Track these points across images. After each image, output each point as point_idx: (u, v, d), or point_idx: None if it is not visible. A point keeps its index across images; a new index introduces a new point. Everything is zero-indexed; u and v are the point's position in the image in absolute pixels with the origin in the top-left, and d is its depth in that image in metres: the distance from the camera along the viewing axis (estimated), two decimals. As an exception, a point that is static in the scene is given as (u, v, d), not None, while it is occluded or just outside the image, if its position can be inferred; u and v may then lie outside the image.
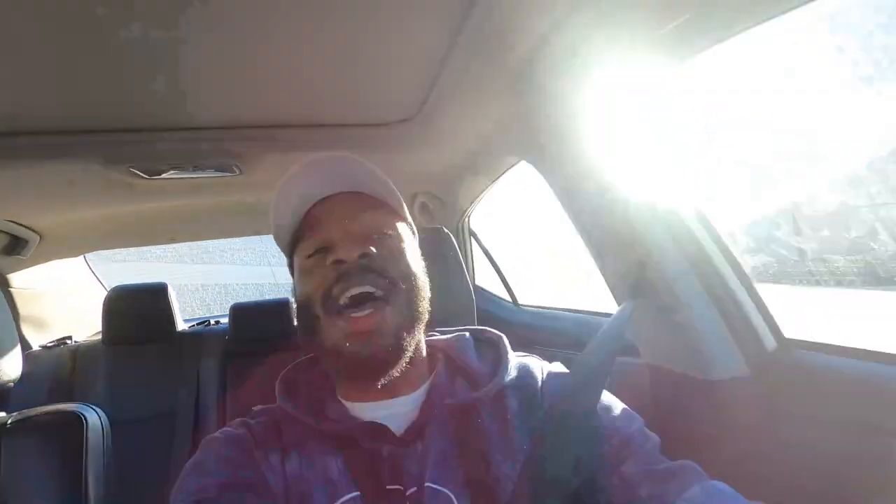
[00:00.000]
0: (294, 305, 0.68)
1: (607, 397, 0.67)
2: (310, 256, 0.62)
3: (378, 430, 0.59)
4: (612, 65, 0.77)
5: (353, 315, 0.57)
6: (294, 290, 0.66)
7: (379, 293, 0.58)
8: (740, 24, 0.61)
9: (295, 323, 2.00)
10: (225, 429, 0.63)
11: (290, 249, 0.67)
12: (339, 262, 0.58)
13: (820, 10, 0.58)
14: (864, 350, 0.78)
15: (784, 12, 0.58)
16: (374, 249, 0.59)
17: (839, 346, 0.81)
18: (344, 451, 0.58)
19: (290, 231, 0.65)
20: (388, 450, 0.58)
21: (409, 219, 0.70)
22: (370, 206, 0.64)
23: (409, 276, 0.62)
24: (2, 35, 0.64)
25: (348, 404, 0.63)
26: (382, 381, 0.59)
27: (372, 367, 0.58)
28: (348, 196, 0.64)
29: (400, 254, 0.63)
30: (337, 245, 0.60)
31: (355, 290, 0.57)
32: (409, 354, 0.61)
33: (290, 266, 0.69)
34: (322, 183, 0.64)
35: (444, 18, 0.72)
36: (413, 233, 0.70)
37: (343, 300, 0.57)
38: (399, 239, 0.64)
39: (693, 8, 0.58)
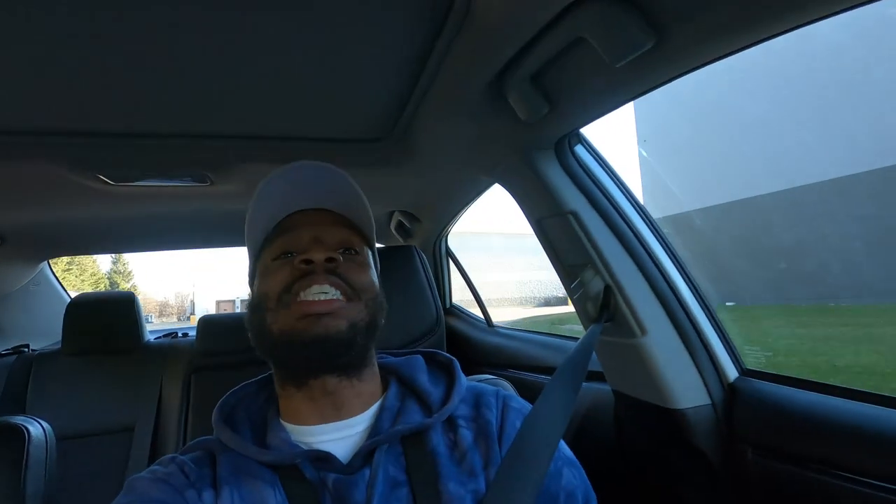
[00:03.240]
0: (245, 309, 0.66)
1: (568, 453, 0.65)
2: (276, 259, 0.61)
3: (322, 459, 0.56)
4: (581, 90, 0.79)
5: (308, 299, 0.56)
6: (251, 289, 0.65)
7: (339, 297, 0.58)
8: (695, 58, 0.63)
9: None
10: (153, 467, 0.59)
11: (258, 251, 0.66)
12: (306, 261, 0.58)
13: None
14: (826, 385, 0.78)
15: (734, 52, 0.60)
16: (340, 257, 0.59)
17: (800, 380, 0.82)
18: (283, 483, 0.55)
19: (263, 233, 0.65)
20: (332, 479, 0.55)
21: (374, 247, 0.70)
22: (342, 223, 0.65)
23: (369, 289, 0.61)
24: None
25: (292, 428, 0.60)
26: (331, 381, 0.58)
27: (322, 348, 0.56)
28: (323, 212, 0.65)
29: (362, 270, 0.62)
30: (305, 249, 0.60)
31: (317, 289, 0.57)
32: (359, 358, 0.60)
33: (252, 271, 0.67)
34: (301, 193, 0.64)
35: (415, 36, 0.73)
36: (377, 260, 0.70)
37: (301, 297, 0.57)
38: (364, 258, 0.65)
39: (651, 43, 0.59)
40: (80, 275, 26.59)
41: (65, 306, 1.76)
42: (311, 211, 0.65)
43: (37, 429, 0.92)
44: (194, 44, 0.69)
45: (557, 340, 1.46)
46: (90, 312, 1.74)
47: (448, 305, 2.11)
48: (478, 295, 1.92)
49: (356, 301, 0.59)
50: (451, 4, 0.65)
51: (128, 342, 1.78)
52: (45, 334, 2.06)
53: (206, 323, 1.86)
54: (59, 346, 1.75)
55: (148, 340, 1.88)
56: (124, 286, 29.40)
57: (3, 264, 1.75)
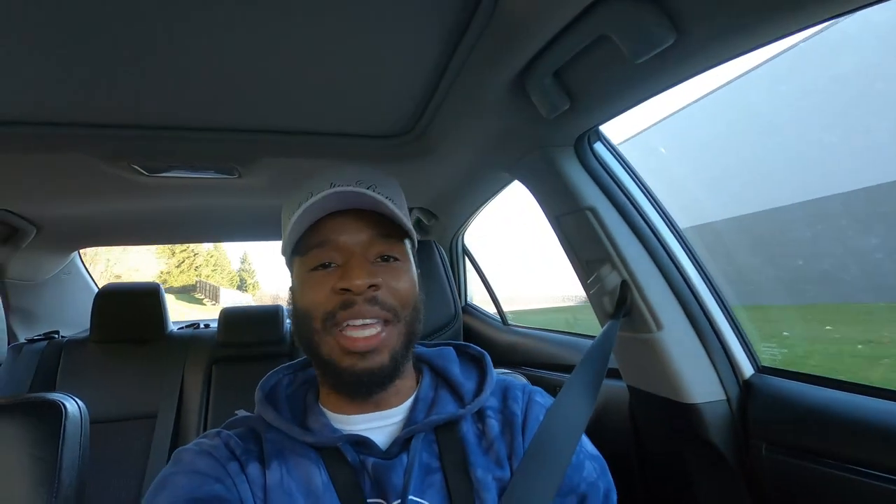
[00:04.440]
0: (288, 307, 0.68)
1: (591, 447, 0.67)
2: (313, 269, 0.61)
3: (362, 443, 0.59)
4: (601, 86, 0.80)
5: (352, 335, 0.57)
6: (293, 293, 0.65)
7: (379, 323, 0.58)
8: (715, 54, 0.64)
9: (284, 331, 1.98)
10: (199, 439, 0.61)
11: (293, 250, 0.64)
12: (345, 290, 0.57)
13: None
14: (841, 381, 0.79)
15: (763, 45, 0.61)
16: (380, 280, 0.58)
17: (816, 376, 0.83)
18: (327, 463, 0.58)
19: (300, 232, 0.61)
20: (371, 462, 0.58)
21: (414, 237, 0.67)
22: (381, 231, 0.62)
23: (409, 304, 0.61)
24: (7, 26, 0.66)
25: (331, 415, 0.63)
26: (376, 394, 0.61)
27: (365, 383, 0.59)
28: (363, 215, 0.61)
29: (403, 280, 0.62)
30: (343, 269, 0.59)
31: (358, 322, 0.57)
32: (401, 368, 0.62)
33: (290, 265, 0.67)
34: (340, 195, 0.59)
35: (442, 34, 0.75)
36: (414, 247, 0.69)
37: (344, 325, 0.58)
38: (403, 262, 0.63)
39: (671, 39, 0.60)
40: (220, 273, 33.81)
41: (93, 296, 1.83)
42: (348, 214, 0.61)
43: (73, 405, 0.96)
44: (225, 40, 0.72)
45: (572, 339, 1.47)
46: (117, 302, 1.81)
47: (464, 303, 2.13)
48: (493, 293, 1.94)
49: (397, 319, 0.60)
50: (477, 2, 0.67)
51: (152, 332, 1.84)
52: (75, 322, 2.13)
53: (228, 315, 1.92)
54: (88, 333, 1.81)
55: (171, 331, 1.93)
56: (250, 281, 37.07)
57: (36, 253, 1.81)
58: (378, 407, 0.63)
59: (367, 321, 0.57)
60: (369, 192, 0.59)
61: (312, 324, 0.59)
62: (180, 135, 1.05)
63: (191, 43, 0.73)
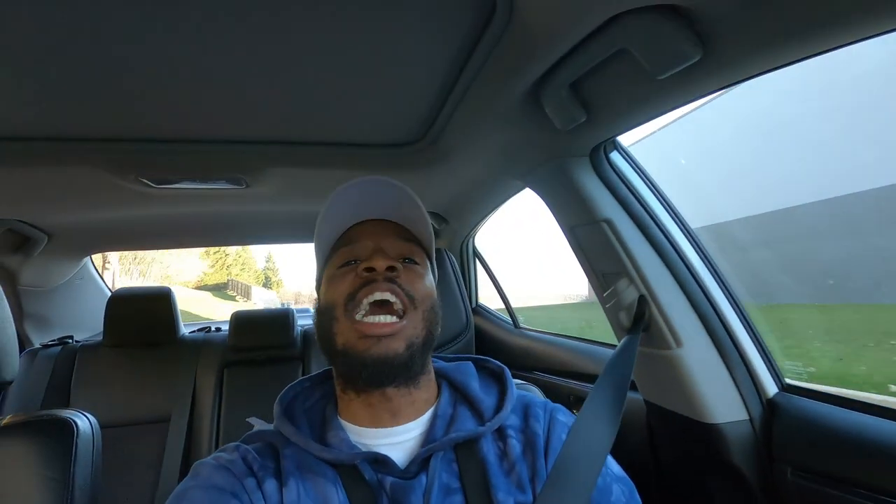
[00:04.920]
0: (313, 311, 0.69)
1: (617, 469, 0.65)
2: (340, 267, 0.64)
3: (381, 462, 0.58)
4: (619, 99, 0.77)
5: (370, 321, 0.59)
6: (318, 299, 0.68)
7: (398, 305, 0.60)
8: (741, 71, 0.61)
9: (295, 334, 1.98)
10: (217, 453, 0.62)
11: (325, 260, 0.69)
12: (368, 269, 0.61)
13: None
14: (871, 404, 0.76)
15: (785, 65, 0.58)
16: (400, 266, 0.62)
17: (844, 398, 0.79)
18: (345, 482, 0.57)
19: (329, 244, 0.68)
20: (390, 482, 0.57)
21: (434, 256, 0.72)
22: (402, 235, 0.67)
23: (426, 299, 0.63)
24: (19, 43, 0.65)
25: (350, 429, 0.62)
26: (389, 390, 0.60)
27: (381, 370, 0.58)
28: (385, 223, 0.68)
29: (421, 280, 0.65)
30: (368, 258, 0.62)
31: (378, 296, 0.59)
32: (417, 372, 0.62)
33: (320, 277, 0.70)
34: (365, 205, 0.67)
35: (455, 43, 0.73)
36: (435, 272, 0.72)
37: (365, 305, 0.59)
38: (422, 268, 0.67)
39: (698, 56, 0.57)
40: (248, 271, 36.36)
41: (105, 300, 1.83)
42: (374, 222, 0.68)
43: (84, 422, 0.95)
44: (234, 53, 0.71)
45: (585, 345, 1.44)
46: (129, 306, 1.81)
47: (475, 305, 2.12)
48: (504, 296, 1.91)
49: (413, 311, 0.61)
50: (492, 12, 0.64)
51: (164, 336, 1.84)
52: (88, 327, 2.15)
53: (239, 319, 1.91)
54: (101, 338, 1.82)
55: (183, 334, 1.94)
56: (274, 279, 39.51)
57: (49, 259, 1.83)
58: (396, 420, 0.62)
59: (386, 296, 0.59)
60: (390, 186, 0.65)
61: (334, 311, 0.61)
62: (187, 148, 1.05)
63: (198, 57, 0.72)
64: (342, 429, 0.62)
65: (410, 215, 0.68)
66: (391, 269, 0.61)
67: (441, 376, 0.69)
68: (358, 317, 0.59)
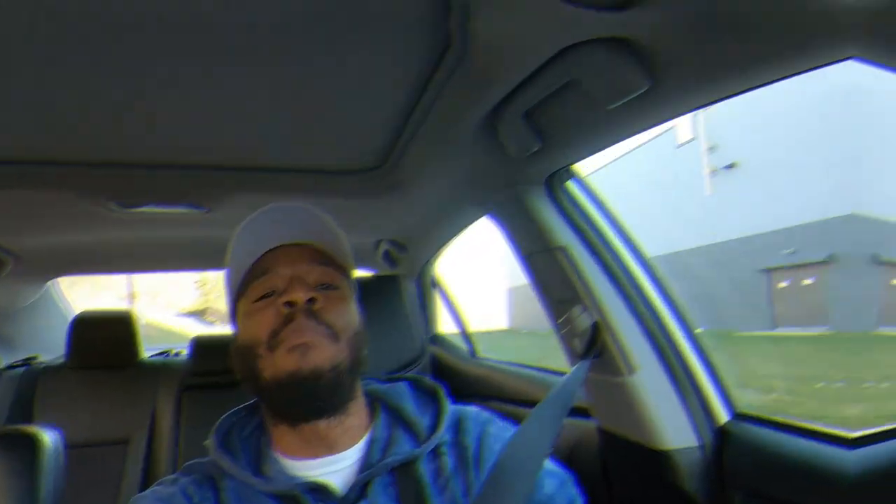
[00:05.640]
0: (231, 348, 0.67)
1: (550, 466, 0.66)
2: (257, 300, 0.62)
3: (321, 490, 0.57)
4: (573, 128, 0.79)
5: (294, 341, 0.58)
6: (236, 336, 0.65)
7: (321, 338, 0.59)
8: (689, 102, 0.64)
9: None
10: (156, 486, 0.61)
11: (238, 293, 0.67)
12: (288, 304, 0.59)
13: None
14: (822, 432, 0.77)
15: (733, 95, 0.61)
16: (320, 297, 0.60)
17: (795, 426, 0.81)
18: None
19: (242, 274, 0.66)
20: None
21: (352, 276, 0.70)
22: (318, 259, 0.65)
23: (349, 328, 0.62)
24: None
25: (286, 461, 0.61)
26: (321, 424, 0.59)
27: (311, 392, 0.57)
28: (300, 247, 0.65)
29: (343, 306, 0.64)
30: (286, 289, 0.60)
31: (300, 340, 0.58)
32: (345, 398, 0.61)
33: (233, 310, 0.68)
34: (277, 231, 0.65)
35: (411, 73, 0.74)
36: (354, 289, 0.70)
37: (288, 344, 0.58)
38: (343, 293, 0.65)
39: (646, 86, 0.60)
40: (222, 298, 34.70)
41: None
42: (288, 248, 0.65)
43: (48, 436, 0.97)
44: (198, 82, 0.73)
45: (543, 374, 1.44)
46: (92, 329, 1.80)
47: (433, 334, 2.09)
48: (462, 324, 1.90)
49: (336, 343, 0.60)
50: (448, 44, 0.66)
51: (125, 358, 1.84)
52: (54, 348, 2.10)
53: (199, 342, 1.89)
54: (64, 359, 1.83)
55: (143, 358, 1.94)
56: None
57: (15, 281, 1.81)
58: (330, 449, 0.61)
59: (310, 339, 0.58)
60: (300, 209, 0.65)
61: (257, 350, 0.59)
62: (151, 172, 1.07)
63: (164, 85, 0.74)
64: (277, 461, 0.61)
65: (323, 234, 0.66)
66: (311, 300, 0.59)
67: (376, 399, 0.69)
68: (281, 347, 0.58)
